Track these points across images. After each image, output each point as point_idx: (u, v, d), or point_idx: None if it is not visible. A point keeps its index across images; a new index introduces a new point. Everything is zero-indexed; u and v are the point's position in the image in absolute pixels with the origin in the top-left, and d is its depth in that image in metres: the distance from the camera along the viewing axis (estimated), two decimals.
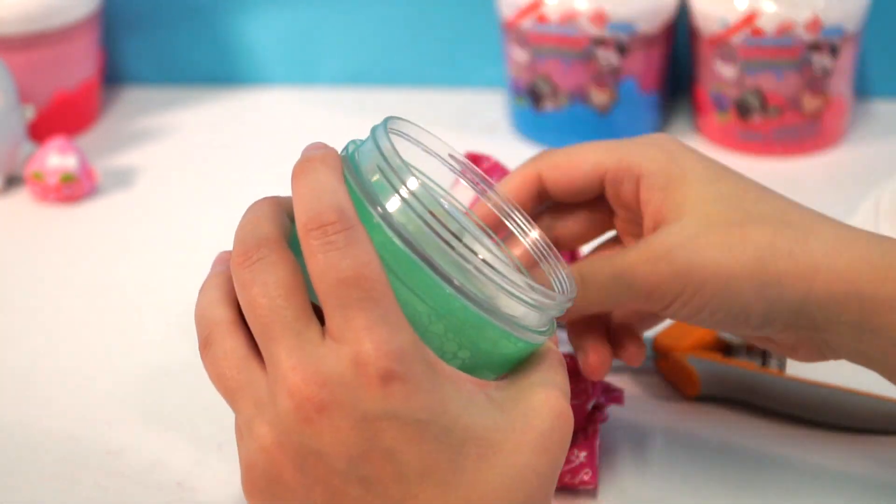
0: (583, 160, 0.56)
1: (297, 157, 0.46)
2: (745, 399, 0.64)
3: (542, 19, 0.89)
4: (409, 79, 1.02)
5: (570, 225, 0.58)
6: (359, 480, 0.43)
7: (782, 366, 0.66)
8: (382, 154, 0.44)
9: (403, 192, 0.44)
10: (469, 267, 0.44)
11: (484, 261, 0.44)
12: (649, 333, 0.68)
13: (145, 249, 0.82)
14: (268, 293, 0.44)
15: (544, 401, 0.45)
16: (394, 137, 0.46)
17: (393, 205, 0.44)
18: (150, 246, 0.82)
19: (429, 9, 1.01)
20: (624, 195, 0.56)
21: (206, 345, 0.46)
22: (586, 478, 0.58)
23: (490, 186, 0.51)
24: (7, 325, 0.74)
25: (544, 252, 0.50)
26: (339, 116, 0.99)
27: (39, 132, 0.91)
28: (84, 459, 0.61)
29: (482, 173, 0.51)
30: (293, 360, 0.43)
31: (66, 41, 0.92)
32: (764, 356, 0.66)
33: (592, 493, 0.58)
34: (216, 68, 1.04)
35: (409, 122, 0.48)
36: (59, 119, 0.93)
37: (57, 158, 0.85)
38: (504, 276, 0.44)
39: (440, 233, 0.43)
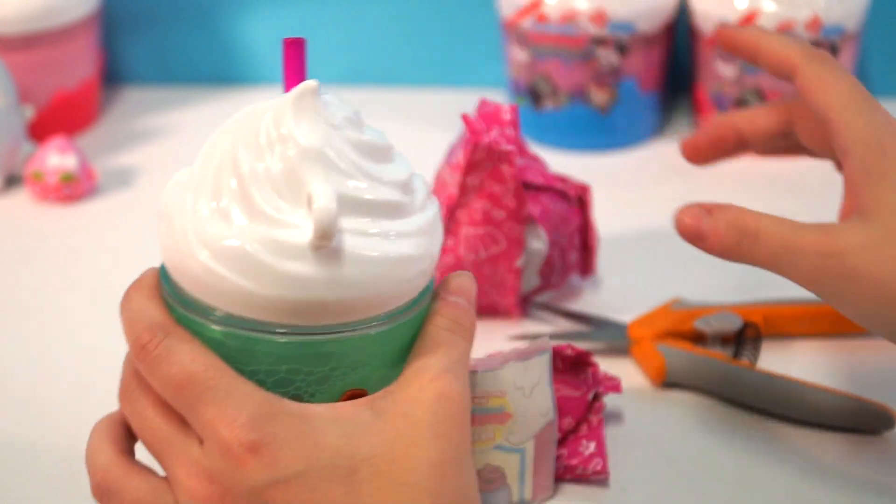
0: (831, 127, 0.56)
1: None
2: (711, 389, 0.64)
3: (541, 19, 0.89)
4: (409, 79, 1.02)
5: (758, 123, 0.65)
6: None
7: (755, 359, 0.65)
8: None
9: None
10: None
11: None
12: (625, 319, 0.68)
13: (145, 249, 0.81)
14: (145, 418, 0.48)
15: (419, 391, 0.46)
16: None
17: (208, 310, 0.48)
18: (149, 246, 0.82)
19: (429, 9, 1.01)
20: (821, 144, 0.61)
21: (103, 495, 0.49)
22: (598, 467, 0.58)
23: None
24: (7, 325, 0.73)
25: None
26: None
27: (39, 132, 0.91)
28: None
29: None
30: (184, 468, 0.46)
31: (66, 41, 0.92)
32: (737, 348, 0.66)
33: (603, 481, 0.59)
34: (216, 68, 1.04)
35: None
36: (59, 119, 0.93)
37: (57, 158, 0.85)
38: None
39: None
